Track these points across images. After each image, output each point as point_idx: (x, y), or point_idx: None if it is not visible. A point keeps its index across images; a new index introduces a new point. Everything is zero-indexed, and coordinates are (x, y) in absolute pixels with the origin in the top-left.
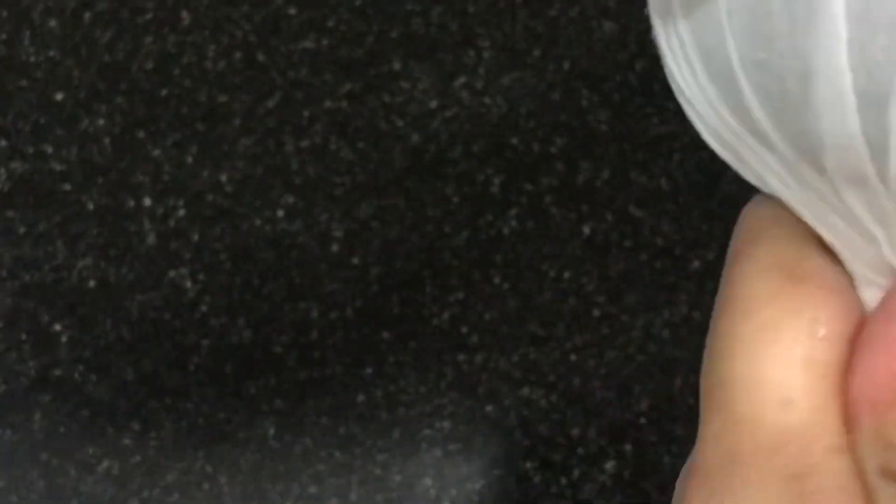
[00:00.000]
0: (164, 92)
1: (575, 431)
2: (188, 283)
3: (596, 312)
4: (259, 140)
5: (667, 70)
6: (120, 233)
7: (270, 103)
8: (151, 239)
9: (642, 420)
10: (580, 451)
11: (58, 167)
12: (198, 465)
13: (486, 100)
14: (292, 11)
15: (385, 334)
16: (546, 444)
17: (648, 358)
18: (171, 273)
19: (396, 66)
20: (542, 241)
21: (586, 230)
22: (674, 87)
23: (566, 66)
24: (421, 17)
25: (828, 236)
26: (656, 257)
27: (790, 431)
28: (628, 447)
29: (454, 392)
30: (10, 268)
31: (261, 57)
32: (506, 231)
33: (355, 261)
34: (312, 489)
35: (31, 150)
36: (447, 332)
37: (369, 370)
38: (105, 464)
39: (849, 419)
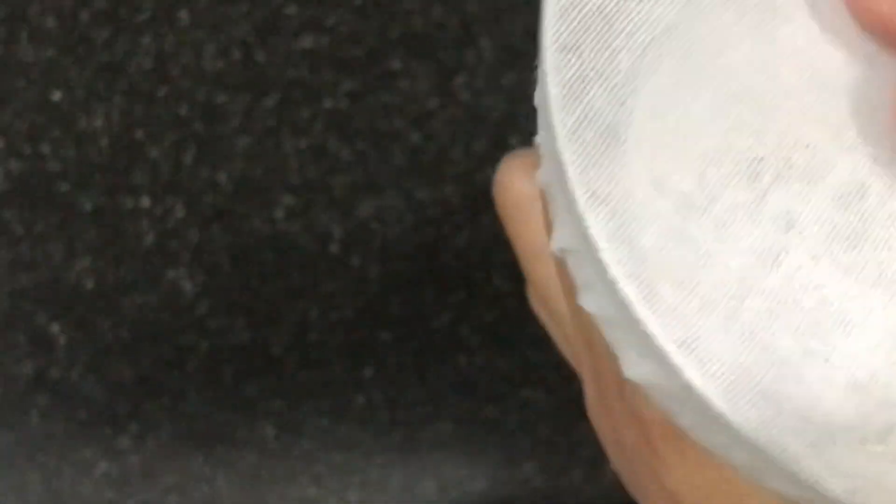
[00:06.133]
0: (162, 91)
1: (576, 433)
2: (187, 284)
3: None
4: (258, 140)
5: None
6: (118, 233)
7: (269, 103)
8: (150, 239)
9: None
10: (582, 452)
11: (55, 167)
12: (196, 466)
13: (486, 100)
14: (291, 11)
15: (385, 335)
16: (547, 445)
17: None
18: (170, 273)
19: (396, 65)
20: None
21: None
22: None
23: None
24: (421, 16)
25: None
26: None
27: None
28: None
29: (454, 393)
30: (7, 268)
31: (259, 56)
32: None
33: (355, 261)
34: (312, 491)
35: (28, 150)
36: (447, 333)
37: (369, 371)
38: (103, 465)
39: None
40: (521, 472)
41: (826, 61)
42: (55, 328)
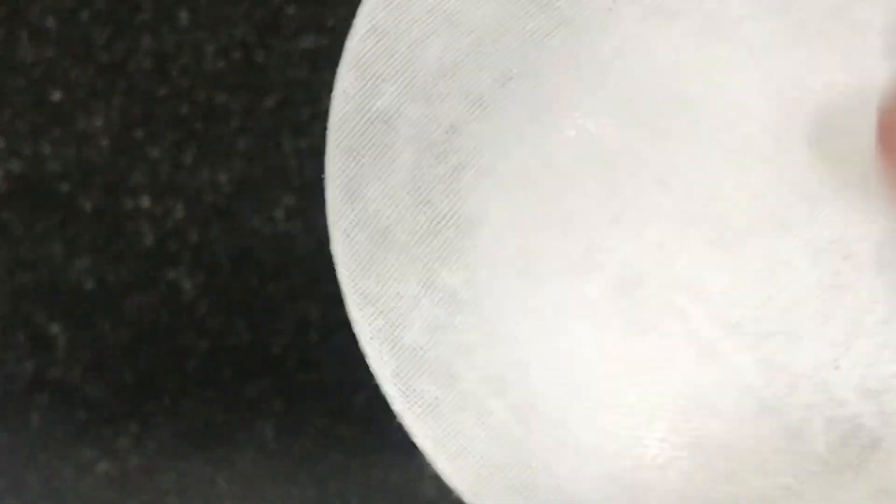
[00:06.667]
0: (162, 92)
1: None
2: (187, 284)
3: None
4: (258, 140)
5: None
6: (118, 233)
7: (269, 103)
8: (149, 239)
9: None
10: None
11: (55, 167)
12: (196, 466)
13: None
14: (291, 11)
15: None
16: None
17: None
18: (170, 274)
19: None
20: None
21: None
22: None
23: None
24: None
25: None
26: None
27: None
28: None
29: None
30: (8, 268)
31: (259, 56)
32: None
33: None
34: (312, 491)
35: (28, 151)
36: None
37: (369, 371)
38: (103, 465)
39: None
40: None
41: (605, 146)
42: (55, 328)
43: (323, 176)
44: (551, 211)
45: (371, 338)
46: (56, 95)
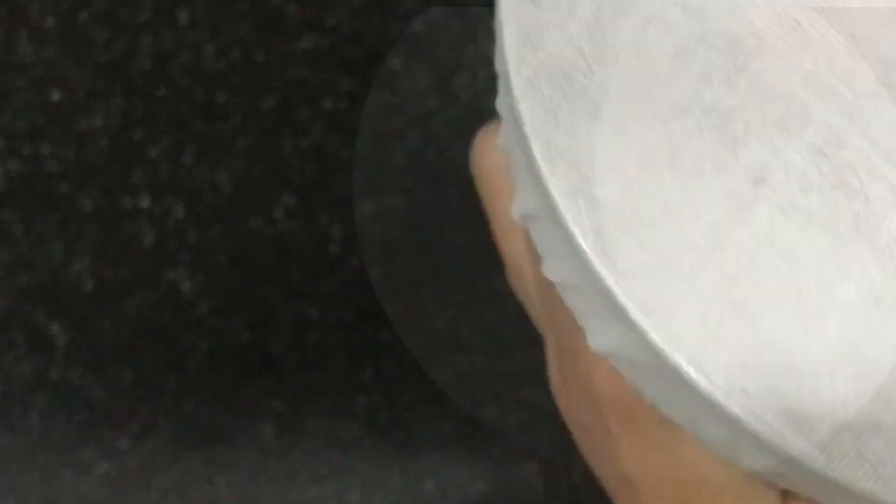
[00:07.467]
0: (161, 91)
1: None
2: (186, 284)
3: None
4: (258, 140)
5: None
6: (117, 233)
7: (269, 103)
8: (149, 239)
9: None
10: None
11: (55, 167)
12: (196, 466)
13: (486, 100)
14: (291, 11)
15: (385, 335)
16: (547, 445)
17: None
18: (170, 274)
19: (396, 65)
20: None
21: None
22: None
23: None
24: (421, 16)
25: None
26: None
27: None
28: None
29: (454, 394)
30: (7, 269)
31: (259, 56)
32: None
33: (355, 261)
34: (311, 491)
35: (27, 151)
36: (447, 334)
37: (369, 371)
38: (103, 466)
39: None
40: (521, 472)
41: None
42: (55, 328)
43: (321, 177)
44: (746, 67)
45: (566, 194)
46: (56, 95)
